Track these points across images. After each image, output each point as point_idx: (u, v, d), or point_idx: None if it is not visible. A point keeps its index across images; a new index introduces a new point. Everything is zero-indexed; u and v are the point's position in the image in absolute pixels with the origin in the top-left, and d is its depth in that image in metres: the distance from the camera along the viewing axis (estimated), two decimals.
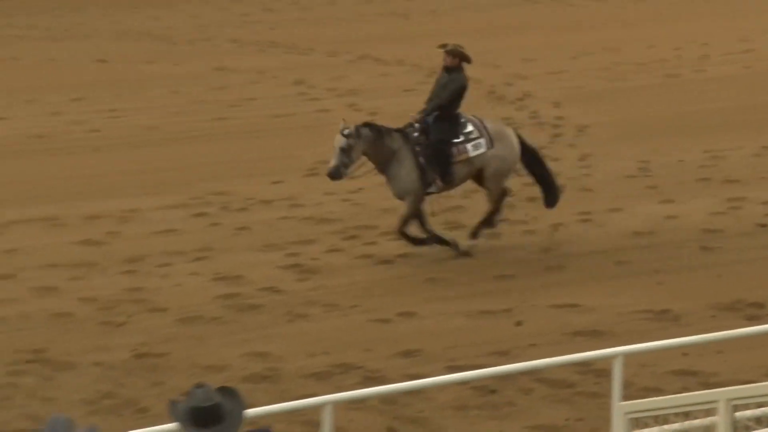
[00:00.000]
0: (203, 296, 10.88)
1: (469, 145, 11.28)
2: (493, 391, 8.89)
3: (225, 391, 5.03)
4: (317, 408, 6.82)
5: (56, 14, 26.16)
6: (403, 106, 17.89)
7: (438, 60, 12.00)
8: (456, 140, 11.27)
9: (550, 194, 11.72)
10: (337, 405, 6.96)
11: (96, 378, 9.28)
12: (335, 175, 11.14)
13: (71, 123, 16.92)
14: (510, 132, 11.71)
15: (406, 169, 11.19)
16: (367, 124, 11.38)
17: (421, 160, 11.17)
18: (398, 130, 11.36)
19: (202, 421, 4.86)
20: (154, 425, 6.98)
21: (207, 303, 10.74)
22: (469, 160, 11.35)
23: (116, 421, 8.17)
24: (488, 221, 11.55)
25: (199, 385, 5.05)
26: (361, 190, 13.38)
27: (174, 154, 15.52)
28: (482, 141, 11.28)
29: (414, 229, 11.51)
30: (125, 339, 9.99)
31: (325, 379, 9.27)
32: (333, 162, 11.11)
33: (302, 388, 8.99)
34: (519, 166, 11.75)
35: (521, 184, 14.15)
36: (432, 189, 11.33)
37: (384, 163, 11.24)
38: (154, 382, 9.19)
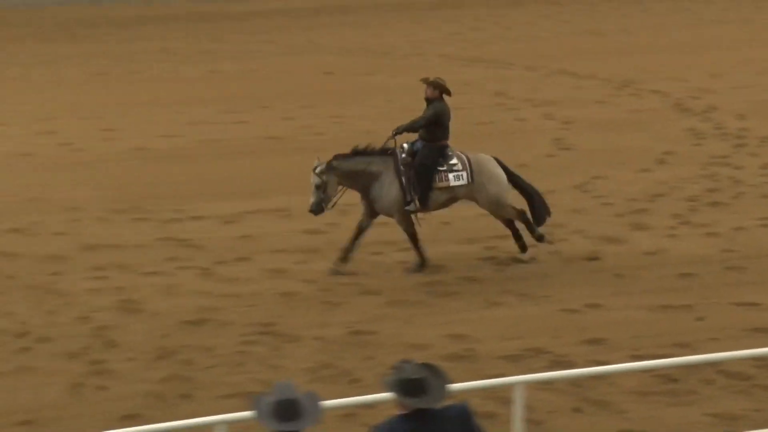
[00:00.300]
0: (410, 282, 10.94)
1: (451, 175, 10.95)
2: (674, 380, 8.61)
3: (429, 366, 5.08)
4: (509, 387, 6.77)
5: (292, 32, 26.82)
6: (594, 116, 17.68)
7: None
8: (440, 168, 10.92)
9: (537, 214, 11.17)
10: (528, 385, 6.89)
11: (316, 350, 9.47)
12: (316, 211, 10.87)
13: (300, 127, 17.32)
14: (490, 163, 11.14)
15: (389, 188, 10.86)
16: (337, 157, 10.91)
17: (404, 180, 10.85)
18: (383, 152, 10.96)
19: (412, 392, 4.93)
20: (366, 394, 7.10)
21: (413, 288, 10.80)
22: (449, 188, 10.99)
23: (333, 389, 8.30)
24: (524, 236, 11.19)
25: (405, 361, 5.11)
26: (554, 192, 13.20)
27: None
28: (464, 174, 10.95)
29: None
30: (342, 317, 10.16)
31: (516, 361, 9.18)
32: (312, 199, 10.83)
33: (495, 368, 8.93)
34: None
35: (703, 190, 13.71)
36: (410, 207, 10.93)
37: (366, 187, 10.91)
38: (365, 357, 9.31)
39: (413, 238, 11.05)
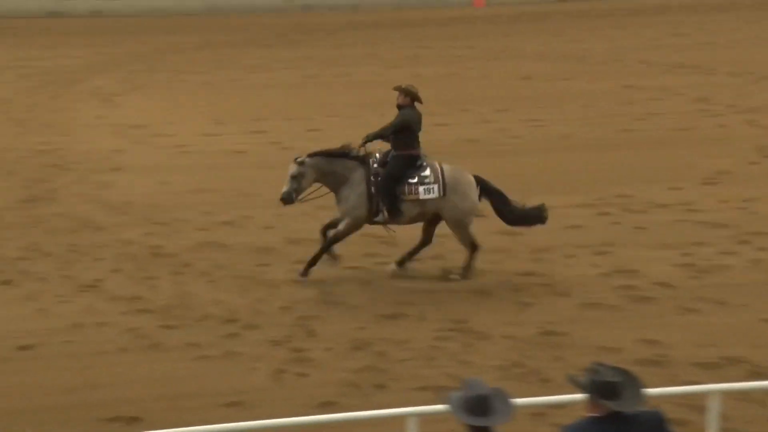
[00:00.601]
0: (602, 285, 10.66)
1: (421, 188, 10.36)
2: None
3: (623, 370, 4.93)
4: (704, 395, 6.46)
5: (492, 38, 26.78)
6: None
7: None
8: (410, 180, 10.35)
9: (526, 220, 10.65)
10: (724, 394, 6.56)
11: (506, 348, 9.35)
12: (287, 199, 10.50)
13: (497, 130, 17.20)
14: (467, 180, 10.48)
15: (354, 194, 10.43)
16: (317, 154, 10.55)
17: (373, 189, 10.39)
18: (357, 158, 10.48)
19: (609, 395, 4.81)
20: (555, 394, 6.94)
21: (605, 291, 10.51)
22: (420, 201, 10.41)
23: (522, 387, 8.17)
24: (465, 269, 10.59)
25: (599, 363, 4.96)
26: (756, 200, 12.58)
27: (583, 160, 15.35)
28: (435, 187, 10.36)
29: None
30: (533, 317, 9.99)
31: (711, 369, 8.77)
32: (284, 188, 10.49)
33: (689, 376, 8.57)
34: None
35: None
36: (378, 218, 10.50)
37: (337, 187, 10.51)
38: (556, 357, 9.12)
39: (332, 241, 10.63)
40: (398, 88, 10.64)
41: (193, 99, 20.10)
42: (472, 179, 10.62)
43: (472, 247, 10.65)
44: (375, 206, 10.46)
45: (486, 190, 10.62)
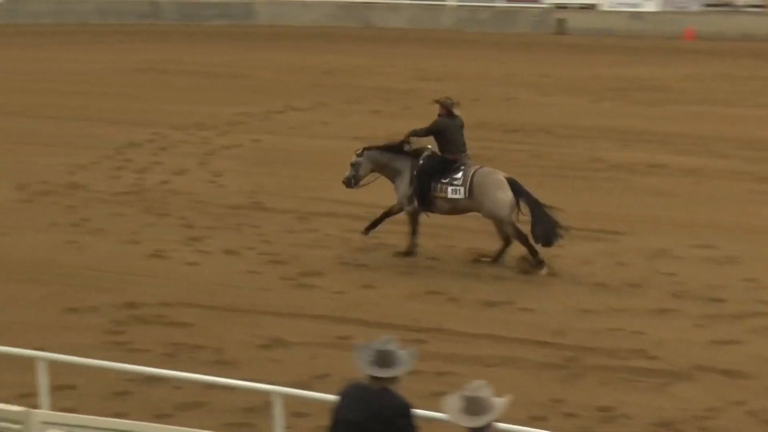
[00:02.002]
0: None
1: (449, 188, 11.45)
2: None
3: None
4: None
5: None
6: None
7: None
8: (443, 179, 11.44)
9: (540, 234, 11.12)
10: None
11: None
12: (346, 184, 11.93)
13: None
14: (494, 180, 11.33)
15: (403, 185, 11.67)
16: (374, 147, 11.91)
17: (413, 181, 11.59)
18: (409, 153, 11.65)
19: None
20: None
21: None
22: (449, 200, 11.47)
23: None
24: (526, 258, 11.24)
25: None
26: None
27: None
28: (461, 189, 11.42)
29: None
30: None
31: None
32: (346, 174, 11.91)
33: None
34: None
35: None
36: (408, 207, 11.65)
37: (392, 177, 11.82)
38: None
39: (411, 227, 11.69)
40: (437, 101, 11.73)
41: None
42: (502, 179, 11.35)
43: (516, 237, 11.26)
44: (411, 196, 11.63)
45: (518, 191, 11.28)
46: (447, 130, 11.50)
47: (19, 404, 6.10)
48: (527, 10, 33.98)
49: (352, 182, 11.90)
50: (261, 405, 7.39)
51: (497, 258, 11.45)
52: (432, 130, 11.56)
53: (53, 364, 6.74)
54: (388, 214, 11.89)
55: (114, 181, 14.75)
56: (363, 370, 5.31)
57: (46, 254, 11.66)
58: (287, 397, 6.35)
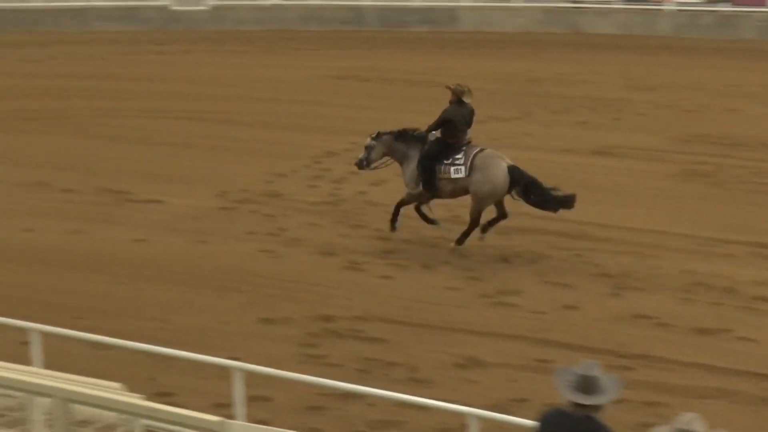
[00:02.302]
0: None
1: (451, 168, 12.35)
2: None
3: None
4: None
5: None
6: None
7: None
8: (446, 161, 12.35)
9: (548, 204, 12.07)
10: None
11: None
12: (359, 165, 12.94)
13: None
14: (497, 164, 12.23)
15: (410, 169, 12.62)
16: (388, 133, 12.83)
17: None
18: (419, 139, 12.61)
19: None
20: None
21: None
22: (452, 180, 12.36)
23: None
24: (463, 234, 12.42)
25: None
26: None
27: None
28: (462, 168, 12.30)
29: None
30: None
31: None
32: (360, 156, 12.95)
33: None
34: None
35: None
36: (413, 191, 12.62)
37: (401, 161, 12.77)
38: None
39: (397, 206, 12.76)
40: (448, 87, 12.77)
41: None
42: (504, 166, 12.23)
43: (474, 222, 12.36)
44: (417, 179, 12.57)
45: (517, 180, 12.13)
46: (456, 117, 12.45)
47: (214, 414, 6.33)
48: (753, 14, 32.76)
49: (363, 164, 12.86)
50: (456, 427, 7.40)
51: (490, 226, 12.36)
52: (442, 121, 12.47)
53: (249, 375, 6.95)
54: (398, 205, 12.75)
55: (311, 191, 15.15)
56: (565, 396, 5.24)
57: (242, 263, 12.08)
58: (483, 420, 6.33)
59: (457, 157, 12.36)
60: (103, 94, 22.11)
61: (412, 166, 12.57)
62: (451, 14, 33.85)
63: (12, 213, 13.94)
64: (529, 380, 8.85)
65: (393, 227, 12.81)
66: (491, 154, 12.38)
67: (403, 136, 12.72)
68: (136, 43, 29.21)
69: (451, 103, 12.60)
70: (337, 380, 7.45)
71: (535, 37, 32.05)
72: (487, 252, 12.38)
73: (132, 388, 6.25)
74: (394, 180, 15.78)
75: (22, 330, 7.63)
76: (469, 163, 12.29)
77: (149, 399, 6.46)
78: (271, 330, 10.12)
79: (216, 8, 33.05)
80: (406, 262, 12.05)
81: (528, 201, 12.22)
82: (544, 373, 8.67)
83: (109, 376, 6.79)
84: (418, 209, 12.73)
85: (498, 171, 12.21)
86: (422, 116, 20.15)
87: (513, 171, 12.16)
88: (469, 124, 12.56)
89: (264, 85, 23.74)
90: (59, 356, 8.34)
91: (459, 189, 12.43)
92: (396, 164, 12.94)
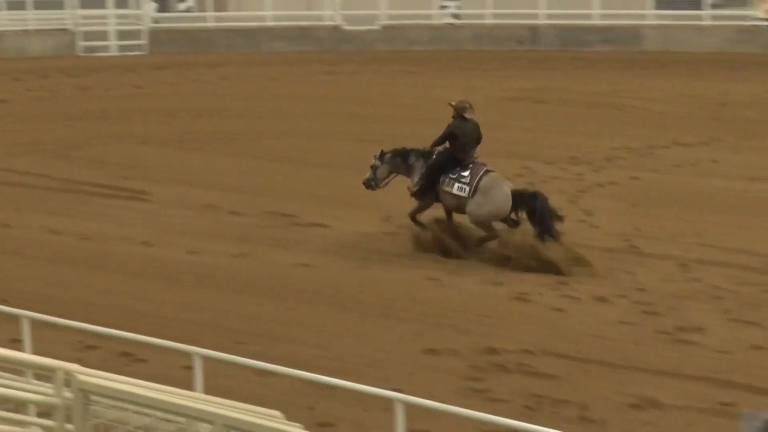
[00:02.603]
0: None
1: (456, 184, 13.12)
2: None
3: None
4: None
5: None
6: None
7: None
8: (451, 175, 13.11)
9: (543, 229, 12.64)
10: None
11: None
12: (366, 185, 13.88)
13: None
14: (500, 189, 12.94)
15: (416, 178, 13.46)
16: (391, 151, 13.74)
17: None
18: (423, 153, 13.50)
19: None
20: None
21: None
22: (454, 195, 13.14)
23: None
24: (479, 242, 13.17)
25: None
26: None
27: None
28: (466, 188, 13.05)
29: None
30: None
31: None
32: (366, 175, 13.85)
33: None
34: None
35: None
36: (419, 188, 13.42)
37: (407, 173, 13.64)
38: None
39: (412, 216, 13.51)
40: (450, 104, 13.52)
41: None
42: (507, 191, 12.96)
43: (490, 235, 13.10)
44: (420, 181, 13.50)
45: (519, 204, 12.89)
46: (459, 132, 13.23)
47: None
48: None
49: (372, 183, 13.80)
50: None
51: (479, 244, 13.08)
52: (446, 135, 13.26)
53: (411, 407, 6.99)
54: (412, 215, 13.48)
55: None
56: None
57: (407, 290, 12.17)
58: None
59: (464, 174, 13.11)
60: (271, 114, 22.76)
61: (418, 176, 13.44)
62: (634, 33, 33.35)
63: (178, 234, 14.48)
64: (711, 425, 8.59)
65: (421, 225, 13.40)
66: (495, 177, 13.05)
67: (406, 152, 13.64)
68: (307, 63, 29.96)
69: (453, 118, 13.38)
70: (502, 416, 7.40)
71: (726, 57, 31.22)
72: (666, 285, 12.09)
73: (292, 417, 6.38)
74: (567, 207, 15.63)
75: (184, 354, 7.89)
76: (474, 185, 13.00)
77: (308, 429, 6.58)
78: (434, 361, 10.15)
79: (387, 28, 33.57)
80: (578, 294, 11.89)
81: (531, 222, 12.85)
82: (728, 417, 8.40)
83: (270, 403, 6.95)
84: (414, 215, 13.50)
85: (500, 194, 12.93)
86: (601, 140, 20.02)
87: (515, 196, 12.87)
88: (477, 139, 13.32)
89: (434, 106, 23.89)
90: (221, 381, 8.60)
91: (460, 206, 13.14)
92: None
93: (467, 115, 13.34)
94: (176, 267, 13.11)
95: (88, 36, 32.09)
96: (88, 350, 10.31)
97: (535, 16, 33.42)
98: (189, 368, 7.93)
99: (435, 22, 33.82)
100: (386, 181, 13.86)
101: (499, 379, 9.71)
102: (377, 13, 33.43)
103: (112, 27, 32.21)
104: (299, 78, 27.75)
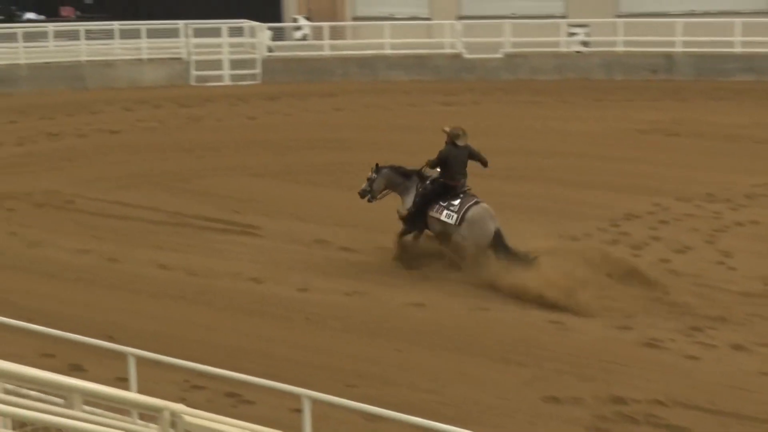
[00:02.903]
0: None
1: (445, 211, 14.16)
2: None
3: None
4: None
5: None
6: None
7: None
8: (442, 202, 14.14)
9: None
10: None
11: None
12: (362, 195, 14.82)
13: None
14: (486, 225, 13.88)
15: (408, 202, 14.47)
16: (388, 167, 14.73)
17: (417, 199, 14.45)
18: (417, 173, 14.54)
19: None
20: None
21: None
22: (440, 222, 14.16)
23: None
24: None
25: None
26: None
27: None
28: (455, 216, 14.07)
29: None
30: None
31: None
32: (362, 186, 14.77)
33: None
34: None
35: None
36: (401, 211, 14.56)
37: (401, 193, 14.64)
38: None
39: (401, 234, 14.53)
40: (444, 130, 14.31)
41: None
42: (492, 229, 13.85)
43: (465, 261, 13.78)
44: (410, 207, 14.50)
45: (497, 245, 13.74)
46: (449, 158, 14.13)
47: None
48: None
49: (367, 194, 14.73)
50: None
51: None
52: (439, 160, 14.18)
53: None
54: (399, 236, 14.43)
55: None
56: None
57: (527, 333, 12.07)
58: None
59: (453, 203, 14.14)
60: (386, 146, 22.88)
61: (411, 199, 14.41)
62: None
63: (288, 270, 14.64)
64: None
65: (406, 263, 14.27)
66: (483, 211, 13.96)
67: (402, 169, 14.64)
68: (425, 93, 30.10)
69: (446, 144, 14.23)
70: None
71: None
72: None
73: None
74: (702, 248, 15.32)
75: (293, 396, 7.95)
76: (461, 214, 14.00)
77: None
78: (556, 410, 10.02)
79: (510, 56, 33.54)
80: (713, 341, 11.62)
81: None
82: None
83: None
84: (400, 237, 14.48)
85: (485, 232, 13.84)
86: (740, 176, 19.61)
87: (497, 235, 13.73)
88: (463, 165, 14.26)
89: (559, 138, 23.78)
90: (330, 425, 8.64)
91: (445, 234, 14.07)
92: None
93: (459, 142, 14.17)
94: (286, 304, 13.25)
95: (201, 65, 32.85)
96: (194, 390, 10.46)
97: (671, 44, 32.98)
98: (298, 411, 7.98)
99: (561, 50, 33.66)
100: (382, 194, 14.84)
101: (626, 430, 9.53)
102: (500, 40, 33.43)
103: (226, 56, 32.91)
104: (416, 108, 27.90)
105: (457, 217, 14.01)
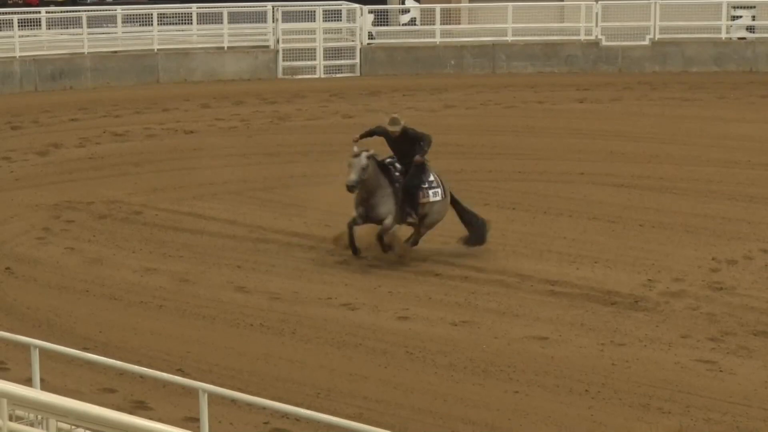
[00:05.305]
0: None
1: (430, 191, 15.75)
2: None
3: None
4: None
5: None
6: None
7: None
8: (423, 185, 15.71)
9: (475, 235, 16.07)
10: None
11: None
12: (355, 188, 15.47)
13: None
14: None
15: (390, 198, 15.61)
16: (374, 157, 15.70)
17: (400, 196, 15.67)
18: (385, 168, 15.81)
19: None
20: None
21: None
22: (430, 204, 15.77)
23: None
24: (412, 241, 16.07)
25: None
26: None
27: None
28: (438, 190, 15.78)
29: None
30: None
31: None
32: (354, 177, 15.36)
33: None
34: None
35: None
36: (410, 220, 15.92)
37: (372, 191, 15.59)
38: None
39: (382, 238, 15.70)
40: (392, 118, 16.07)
41: None
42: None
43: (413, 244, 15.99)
44: (403, 212, 15.80)
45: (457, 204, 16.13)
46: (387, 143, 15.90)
47: None
48: None
49: (358, 186, 15.43)
50: None
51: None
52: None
53: None
54: (381, 236, 15.60)
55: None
56: None
57: (672, 375, 12.04)
58: None
59: (431, 179, 15.81)
60: (507, 151, 22.91)
61: (391, 194, 15.58)
62: None
63: (387, 295, 14.76)
64: None
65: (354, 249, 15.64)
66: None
67: (382, 165, 15.68)
68: (555, 87, 30.03)
69: (404, 129, 15.88)
70: None
71: None
72: None
73: None
74: None
75: None
76: (442, 185, 15.86)
77: None
78: None
79: (658, 44, 33.26)
80: None
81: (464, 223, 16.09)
82: None
83: None
84: (351, 227, 15.56)
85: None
86: None
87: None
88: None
89: (717, 143, 23.54)
90: None
91: (435, 210, 15.83)
92: None
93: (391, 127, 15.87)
94: (383, 336, 13.39)
95: (291, 54, 33.20)
96: None
97: None
98: None
99: (715, 35, 33.26)
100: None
101: None
102: (646, 24, 33.21)
103: (319, 44, 33.22)
104: (544, 106, 27.84)
105: (442, 191, 15.88)
